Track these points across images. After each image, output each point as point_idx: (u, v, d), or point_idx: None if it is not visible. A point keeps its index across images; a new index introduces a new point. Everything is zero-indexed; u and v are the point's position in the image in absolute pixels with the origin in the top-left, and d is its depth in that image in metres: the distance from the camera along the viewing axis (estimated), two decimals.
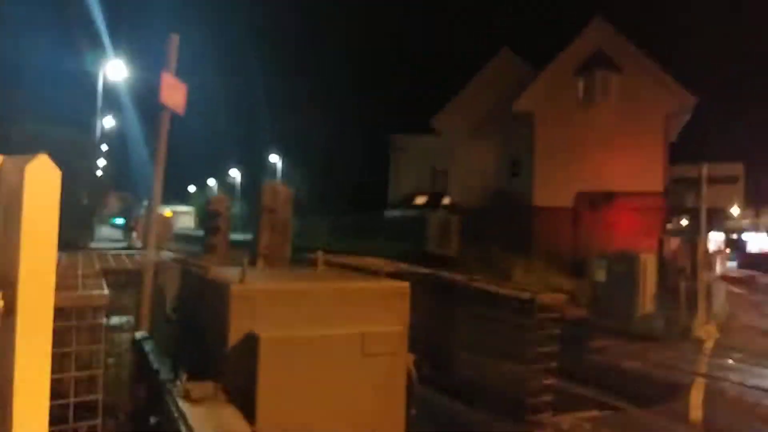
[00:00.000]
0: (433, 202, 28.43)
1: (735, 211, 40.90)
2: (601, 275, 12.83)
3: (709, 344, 10.24)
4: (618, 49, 21.11)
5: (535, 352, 2.39)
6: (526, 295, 2.39)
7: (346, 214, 35.86)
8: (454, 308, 3.03)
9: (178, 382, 1.76)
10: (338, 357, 2.03)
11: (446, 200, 27.08)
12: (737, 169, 26.22)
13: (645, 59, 20.92)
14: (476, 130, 24.39)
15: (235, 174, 57.68)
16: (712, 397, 6.75)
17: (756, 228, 48.11)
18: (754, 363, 8.77)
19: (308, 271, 2.84)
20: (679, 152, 22.75)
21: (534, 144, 21.80)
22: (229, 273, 2.14)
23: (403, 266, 3.14)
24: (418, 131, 29.97)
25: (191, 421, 1.46)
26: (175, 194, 46.68)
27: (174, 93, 4.22)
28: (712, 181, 15.48)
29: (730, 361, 8.86)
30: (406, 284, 2.31)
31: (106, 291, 2.25)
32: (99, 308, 2.15)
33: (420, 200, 30.73)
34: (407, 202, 31.04)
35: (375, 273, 2.65)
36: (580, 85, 21.43)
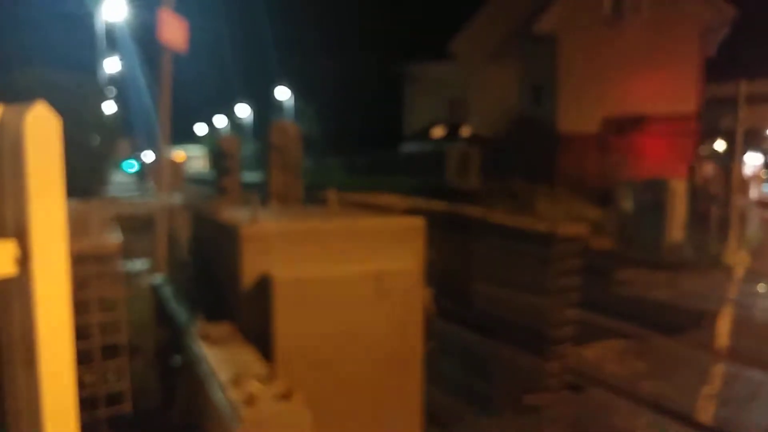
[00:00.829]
0: (452, 134, 28.09)
1: None
2: (628, 204, 12.75)
3: (739, 271, 10.26)
4: None
5: (556, 284, 2.43)
6: (544, 228, 2.41)
7: (360, 150, 35.66)
8: (472, 243, 3.07)
9: (196, 324, 1.85)
10: (354, 296, 2.10)
11: (465, 131, 26.72)
12: None
13: None
14: (495, 55, 23.68)
15: (244, 112, 57.26)
16: (738, 324, 6.84)
17: None
18: None
19: (321, 209, 2.88)
20: (716, 70, 21.89)
21: (557, 67, 21.14)
22: (240, 214, 2.19)
23: (419, 202, 3.17)
24: (433, 59, 29.19)
25: (211, 361, 1.55)
26: (184, 135, 46.73)
27: (174, 30, 4.15)
28: (751, 99, 14.97)
29: (760, 289, 8.90)
30: (421, 220, 2.34)
31: (119, 236, 2.33)
32: (114, 254, 2.23)
33: (437, 132, 30.36)
34: (424, 135, 30.70)
35: (389, 210, 2.69)
36: None
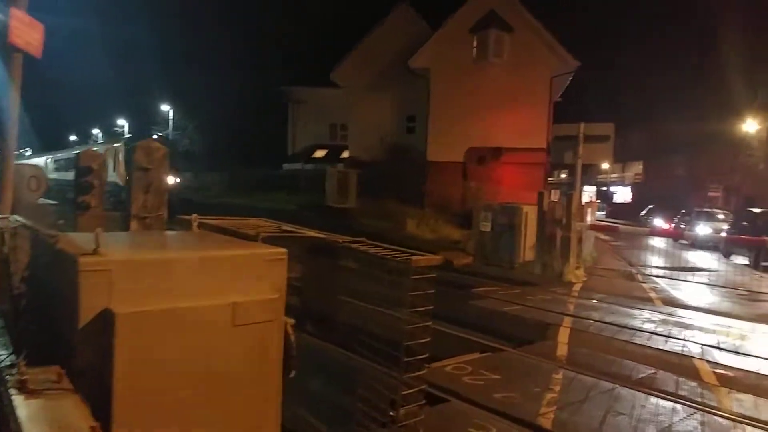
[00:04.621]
0: (333, 156, 28.20)
1: (606, 166, 44.66)
2: (486, 226, 13.51)
3: (577, 287, 11.24)
4: (510, 11, 21.69)
5: (412, 307, 2.44)
6: (402, 258, 2.40)
7: (244, 168, 34.59)
8: (338, 267, 3.00)
9: (16, 369, 1.56)
10: (207, 330, 1.91)
11: (345, 154, 26.96)
12: (609, 128, 28.36)
13: (534, 22, 21.70)
14: (374, 85, 24.26)
15: (123, 125, 53.20)
16: (576, 334, 7.43)
17: (622, 181, 52.95)
18: (612, 302, 9.77)
19: (179, 236, 2.64)
20: (562, 112, 24.18)
21: (429, 100, 22.11)
22: (82, 241, 1.91)
23: (287, 227, 3.04)
24: (318, 84, 29.26)
25: (21, 416, 1.29)
26: (52, 144, 42.24)
27: (27, 32, 3.68)
28: (588, 139, 16.65)
29: (594, 301, 9.79)
30: (282, 250, 2.21)
31: None
32: None
33: (319, 154, 30.33)
34: (306, 155, 30.52)
35: (252, 237, 2.53)
36: (475, 43, 21.86)
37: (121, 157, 23.75)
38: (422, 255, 2.39)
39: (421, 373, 2.75)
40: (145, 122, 44.29)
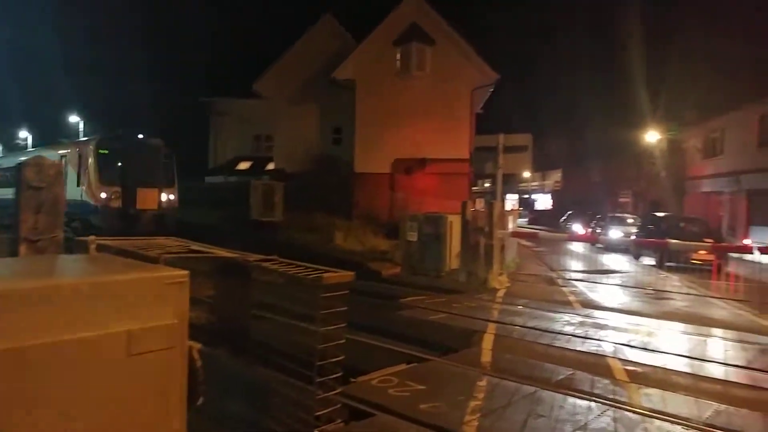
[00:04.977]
0: (258, 168, 27.63)
1: (527, 174, 46.70)
2: (413, 236, 13.67)
3: (501, 293, 11.58)
4: (431, 24, 22.26)
5: (325, 323, 2.39)
6: (312, 275, 2.35)
7: None
8: (249, 287, 2.90)
9: None
10: (97, 362, 1.77)
11: (270, 166, 26.50)
12: (528, 138, 29.68)
13: (456, 35, 22.38)
14: (300, 96, 24.11)
15: (25, 137, 49.53)
16: (499, 340, 7.63)
17: (543, 189, 55.56)
18: (534, 306, 10.14)
19: (71, 260, 2.45)
20: (483, 123, 25.04)
21: (355, 112, 22.22)
22: None
23: (195, 246, 2.91)
24: (240, 95, 28.63)
25: None
26: None
27: None
28: (508, 149, 17.31)
29: (518, 307, 10.12)
30: (184, 273, 2.10)
31: None
32: None
33: (243, 166, 29.63)
34: (229, 168, 29.72)
35: (153, 259, 2.39)
36: (398, 56, 22.24)
37: (91, 163, 16.37)
38: (334, 272, 2.35)
39: (337, 392, 2.70)
40: (51, 134, 41.45)
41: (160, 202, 16.82)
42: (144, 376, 1.90)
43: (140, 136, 17.75)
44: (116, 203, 16.02)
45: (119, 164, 16.56)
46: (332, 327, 2.40)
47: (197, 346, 2.23)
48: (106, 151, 16.47)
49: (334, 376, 2.46)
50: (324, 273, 2.36)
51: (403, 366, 6.26)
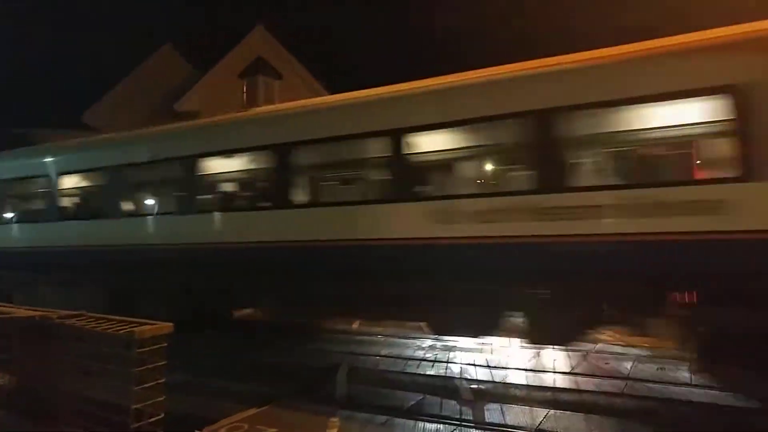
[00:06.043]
0: None
1: None
2: None
3: (356, 324, 11.67)
4: (277, 58, 22.40)
5: (140, 380, 2.21)
6: (123, 333, 2.17)
7: None
8: (59, 348, 2.60)
9: None
10: None
11: None
12: None
13: (302, 70, 22.72)
14: (140, 127, 22.56)
15: None
16: (354, 372, 7.65)
17: None
18: (389, 334, 10.36)
19: None
20: None
21: None
22: None
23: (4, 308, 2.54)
24: (66, 126, 25.96)
25: None
26: None
27: None
28: None
29: (376, 337, 10.28)
30: None
31: None
32: None
33: None
34: None
35: None
36: (244, 88, 21.98)
37: None
38: (150, 324, 2.19)
39: None
40: None
41: None
42: None
43: None
44: None
45: None
46: (149, 384, 2.23)
47: None
48: None
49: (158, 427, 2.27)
50: (137, 327, 2.19)
51: (254, 410, 6.02)
